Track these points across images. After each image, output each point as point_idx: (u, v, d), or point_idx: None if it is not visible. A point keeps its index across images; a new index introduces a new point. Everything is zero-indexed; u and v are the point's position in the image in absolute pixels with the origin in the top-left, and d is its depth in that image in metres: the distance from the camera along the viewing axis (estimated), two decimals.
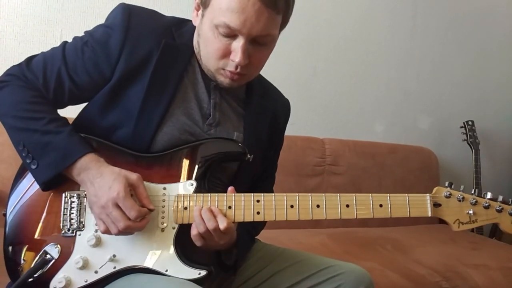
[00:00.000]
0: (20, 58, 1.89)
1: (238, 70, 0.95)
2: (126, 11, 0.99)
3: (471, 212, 0.97)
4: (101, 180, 0.90)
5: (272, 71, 2.33)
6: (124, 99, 0.98)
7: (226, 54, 0.94)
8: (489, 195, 0.98)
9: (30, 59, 1.01)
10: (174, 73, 1.00)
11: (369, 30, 2.60)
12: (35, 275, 0.91)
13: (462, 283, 1.72)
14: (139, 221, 0.90)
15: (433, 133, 2.80)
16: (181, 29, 1.03)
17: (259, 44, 0.95)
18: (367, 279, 1.05)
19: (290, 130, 2.33)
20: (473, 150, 2.61)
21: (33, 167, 0.93)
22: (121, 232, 0.90)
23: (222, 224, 0.90)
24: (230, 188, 0.96)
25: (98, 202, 0.89)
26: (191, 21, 1.05)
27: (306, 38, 2.47)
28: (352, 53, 2.57)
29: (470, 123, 2.67)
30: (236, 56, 0.92)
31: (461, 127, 2.69)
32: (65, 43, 1.02)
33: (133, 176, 0.92)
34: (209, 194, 0.95)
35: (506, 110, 2.98)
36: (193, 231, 0.92)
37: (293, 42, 2.43)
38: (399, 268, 1.71)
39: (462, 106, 2.85)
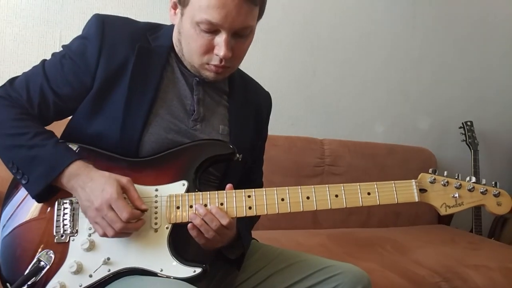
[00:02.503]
0: (19, 59, 1.93)
1: (223, 63, 0.98)
2: (100, 20, 1.02)
3: (456, 195, 0.99)
4: (93, 184, 0.91)
5: (273, 72, 2.36)
6: (107, 105, 1.00)
7: (209, 49, 0.97)
8: (473, 179, 1.01)
9: (12, 80, 1.03)
10: (152, 75, 1.02)
11: (369, 31, 2.61)
12: (28, 283, 0.91)
13: (461, 284, 1.72)
14: (135, 222, 0.91)
15: (432, 134, 2.80)
16: (156, 33, 1.06)
17: (240, 36, 0.98)
18: (365, 279, 1.05)
19: (290, 130, 2.36)
20: (472, 151, 2.61)
21: (24, 182, 0.94)
22: (117, 234, 0.90)
23: (224, 220, 0.93)
24: (228, 186, 0.98)
25: (92, 205, 0.90)
26: (165, 25, 1.09)
27: (306, 39, 2.47)
28: (352, 54, 2.57)
29: (469, 123, 2.67)
30: (220, 50, 0.95)
31: (460, 127, 2.69)
32: (44, 60, 1.05)
33: (123, 179, 0.93)
34: (200, 192, 0.97)
35: (505, 110, 2.98)
36: (196, 236, 0.94)
37: (293, 43, 2.44)
38: (398, 268, 1.71)
39: (461, 107, 2.85)
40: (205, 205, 0.95)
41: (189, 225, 0.94)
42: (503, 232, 2.66)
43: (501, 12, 2.94)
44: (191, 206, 0.96)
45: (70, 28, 2.00)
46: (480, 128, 2.74)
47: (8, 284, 0.96)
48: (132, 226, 0.91)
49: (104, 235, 0.91)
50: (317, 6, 2.48)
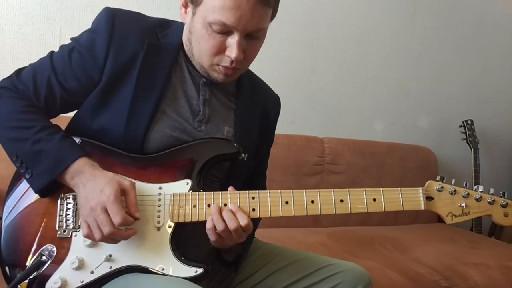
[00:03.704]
0: (19, 57, 1.93)
1: (234, 65, 0.97)
2: (110, 14, 1.00)
3: (463, 204, 0.98)
4: (94, 183, 0.90)
5: (272, 70, 2.36)
6: (113, 100, 0.99)
7: (221, 50, 0.96)
8: (480, 188, 0.99)
9: (19, 71, 1.02)
10: (161, 72, 1.01)
11: (368, 29, 2.60)
12: (30, 277, 0.91)
13: (461, 282, 1.72)
14: (126, 230, 0.90)
15: (432, 132, 2.80)
16: (166, 30, 1.05)
17: (253, 38, 0.96)
18: (365, 278, 1.05)
19: (290, 129, 2.36)
20: (472, 149, 2.61)
21: (28, 176, 0.94)
22: (104, 238, 0.89)
23: (243, 221, 0.91)
24: (230, 188, 0.97)
25: (87, 204, 0.89)
26: (176, 21, 1.07)
27: (306, 37, 2.47)
28: (351, 52, 2.57)
29: (469, 122, 2.67)
30: (232, 52, 0.94)
31: (460, 126, 2.69)
32: (52, 52, 1.03)
33: (126, 182, 0.92)
34: (204, 192, 0.96)
35: (505, 109, 2.98)
36: (209, 229, 0.93)
37: (293, 42, 2.44)
38: (398, 267, 1.71)
39: (461, 105, 2.85)
40: (225, 205, 0.94)
41: (210, 218, 0.92)
42: (503, 231, 2.66)
43: (501, 11, 2.94)
44: (194, 206, 0.95)
45: (70, 25, 2.00)
46: (480, 126, 2.75)
47: (6, 268, 0.96)
48: (121, 234, 0.90)
49: (89, 235, 0.90)
50: (317, 5, 2.48)
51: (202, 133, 1.04)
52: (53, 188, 0.95)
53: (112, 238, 0.89)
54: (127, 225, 0.90)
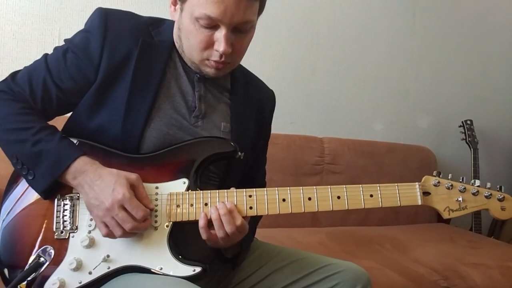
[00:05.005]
0: (18, 57, 1.93)
1: (223, 59, 0.97)
2: (103, 14, 1.01)
3: (460, 199, 0.98)
4: (102, 183, 0.90)
5: (272, 70, 2.36)
6: (109, 99, 0.99)
7: (209, 45, 0.96)
8: (477, 182, 0.99)
9: (14, 74, 1.02)
10: (155, 69, 1.02)
11: (368, 29, 2.60)
12: (28, 279, 0.91)
13: (460, 282, 1.72)
14: (143, 222, 0.91)
15: (432, 132, 2.80)
16: (159, 28, 1.06)
17: (240, 31, 0.97)
18: (365, 278, 1.05)
19: (289, 129, 2.37)
20: (472, 149, 2.61)
21: (30, 178, 0.94)
22: (126, 234, 0.90)
23: (237, 222, 0.92)
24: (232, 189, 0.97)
25: (101, 205, 0.89)
26: (167, 19, 1.08)
27: (306, 37, 2.47)
28: (351, 52, 2.57)
29: (469, 122, 2.67)
30: (220, 45, 0.94)
31: (460, 126, 2.69)
32: (46, 54, 1.04)
33: (133, 176, 0.93)
34: (201, 191, 0.96)
35: (505, 109, 2.98)
36: (202, 227, 0.93)
37: (292, 41, 2.44)
38: (398, 267, 1.71)
39: (461, 105, 2.85)
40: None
41: (203, 214, 0.93)
42: (502, 230, 2.66)
43: (501, 11, 2.93)
44: (191, 205, 0.95)
45: (69, 25, 2.00)
46: (480, 126, 2.74)
47: (5, 270, 0.96)
48: (142, 226, 0.91)
49: (109, 234, 0.91)
50: (316, 4, 2.48)
51: (198, 129, 1.04)
52: (56, 188, 0.95)
53: (134, 232, 0.91)
54: (147, 217, 0.91)
